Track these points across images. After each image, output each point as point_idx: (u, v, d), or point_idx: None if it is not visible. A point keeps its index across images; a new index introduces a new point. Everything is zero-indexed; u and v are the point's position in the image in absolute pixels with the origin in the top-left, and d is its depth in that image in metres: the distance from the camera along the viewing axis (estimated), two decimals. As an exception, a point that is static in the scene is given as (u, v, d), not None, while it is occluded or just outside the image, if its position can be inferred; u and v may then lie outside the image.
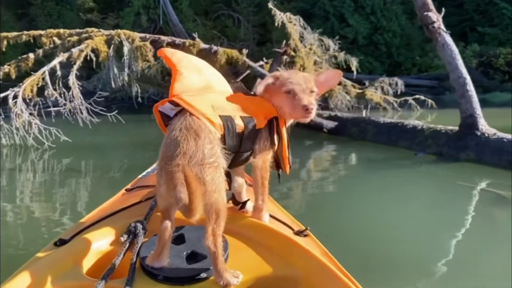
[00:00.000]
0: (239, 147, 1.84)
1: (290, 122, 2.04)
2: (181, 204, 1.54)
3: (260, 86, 1.96)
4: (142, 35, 8.93)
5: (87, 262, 1.75)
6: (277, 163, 2.04)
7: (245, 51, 9.63)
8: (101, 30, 8.73)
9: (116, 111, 8.74)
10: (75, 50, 8.05)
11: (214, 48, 9.29)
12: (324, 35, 12.55)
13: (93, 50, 8.32)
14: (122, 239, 1.80)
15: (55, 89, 7.84)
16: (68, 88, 8.12)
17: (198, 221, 1.57)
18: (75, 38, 8.34)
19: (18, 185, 6.19)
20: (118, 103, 15.89)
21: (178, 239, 1.79)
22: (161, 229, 1.65)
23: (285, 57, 12.35)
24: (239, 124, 1.80)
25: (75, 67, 7.88)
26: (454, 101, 17.76)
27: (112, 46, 8.43)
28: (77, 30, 8.69)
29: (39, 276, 1.62)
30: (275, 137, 1.93)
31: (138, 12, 20.52)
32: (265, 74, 9.20)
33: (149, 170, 3.04)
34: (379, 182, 5.93)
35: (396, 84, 14.16)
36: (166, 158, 1.60)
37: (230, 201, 2.12)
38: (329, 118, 9.17)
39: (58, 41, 8.28)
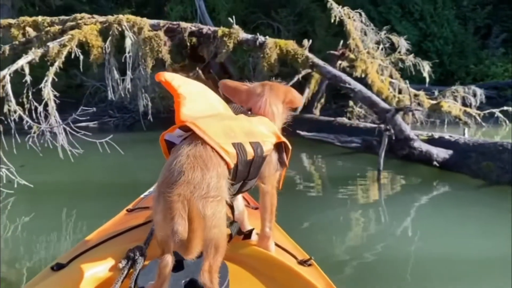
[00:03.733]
0: (247, 175, 1.54)
1: None
2: (177, 238, 1.25)
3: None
4: (154, 21, 5.46)
5: None
6: None
7: (307, 42, 5.96)
8: (94, 16, 5.29)
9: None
10: (52, 45, 4.65)
11: (261, 38, 5.69)
12: (393, 33, 8.73)
13: (81, 45, 4.90)
14: (121, 265, 1.53)
15: (21, 103, 4.41)
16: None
17: None
18: (57, 28, 4.95)
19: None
20: (154, 116, 12.59)
21: (176, 266, 1.48)
22: (161, 265, 1.36)
23: (339, 62, 8.60)
24: (249, 151, 1.50)
25: (52, 69, 4.50)
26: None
27: (110, 38, 4.99)
28: (62, 17, 5.30)
29: None
30: (285, 158, 1.65)
31: (175, 23, 17.41)
32: (338, 75, 5.55)
33: (151, 189, 2.50)
34: None
35: (474, 95, 10.19)
36: (166, 184, 1.30)
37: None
38: (432, 141, 5.33)
39: (33, 33, 4.89)
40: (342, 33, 10.04)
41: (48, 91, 4.64)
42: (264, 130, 1.58)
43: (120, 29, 5.17)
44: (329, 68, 5.75)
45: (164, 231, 1.30)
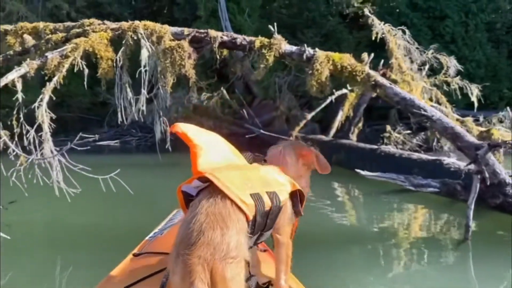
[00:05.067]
0: (264, 226, 1.46)
1: None
2: None
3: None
4: (177, 29, 4.35)
5: None
6: None
7: (367, 57, 4.72)
8: (106, 22, 4.23)
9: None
10: (51, 56, 3.60)
11: (309, 51, 4.50)
12: (442, 52, 7.52)
13: (88, 57, 3.83)
14: None
15: (9, 127, 3.33)
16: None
17: None
18: (60, 36, 3.91)
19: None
20: (176, 138, 11.45)
21: None
22: None
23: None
24: (267, 202, 1.44)
25: (50, 86, 3.45)
26: None
27: (123, 49, 3.91)
28: (67, 23, 4.26)
29: None
30: (300, 207, 1.59)
31: (201, 43, 16.51)
32: (409, 98, 4.30)
33: (156, 230, 2.28)
34: None
35: (526, 121, 8.78)
36: (185, 244, 1.22)
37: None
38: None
39: (32, 42, 3.87)
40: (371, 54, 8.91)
41: (42, 113, 3.57)
42: (279, 179, 1.53)
43: (135, 37, 4.08)
44: (397, 89, 4.42)
45: None
